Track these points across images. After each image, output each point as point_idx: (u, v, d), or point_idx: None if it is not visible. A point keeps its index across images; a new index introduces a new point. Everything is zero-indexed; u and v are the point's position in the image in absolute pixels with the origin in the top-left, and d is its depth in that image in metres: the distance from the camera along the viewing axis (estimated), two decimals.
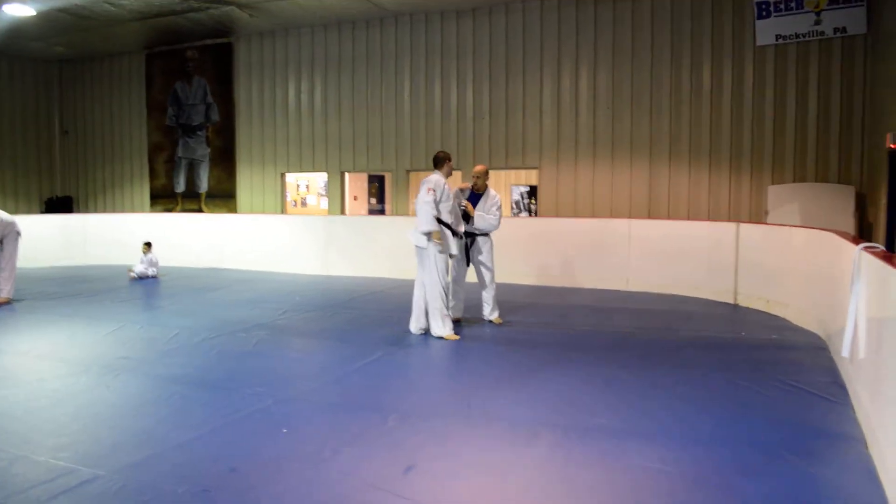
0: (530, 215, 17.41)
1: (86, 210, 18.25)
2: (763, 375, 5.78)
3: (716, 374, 5.87)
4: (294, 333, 7.71)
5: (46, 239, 14.45)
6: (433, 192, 7.25)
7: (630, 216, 11.93)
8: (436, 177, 7.38)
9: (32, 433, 4.51)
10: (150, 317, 8.81)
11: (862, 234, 10.42)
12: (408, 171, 14.29)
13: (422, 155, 13.96)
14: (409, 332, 7.62)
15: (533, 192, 17.15)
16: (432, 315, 7.36)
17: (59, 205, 18.15)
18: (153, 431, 4.54)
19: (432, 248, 7.29)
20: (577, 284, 10.94)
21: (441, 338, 7.27)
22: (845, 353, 4.95)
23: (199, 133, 16.47)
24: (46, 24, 14.29)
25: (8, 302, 9.46)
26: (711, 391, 5.38)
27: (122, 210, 17.66)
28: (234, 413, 4.86)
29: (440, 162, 7.57)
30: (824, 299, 7.05)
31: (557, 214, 12.81)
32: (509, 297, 10.03)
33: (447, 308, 7.36)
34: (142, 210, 17.32)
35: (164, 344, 7.06)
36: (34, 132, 18.24)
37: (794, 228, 8.58)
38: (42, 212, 17.85)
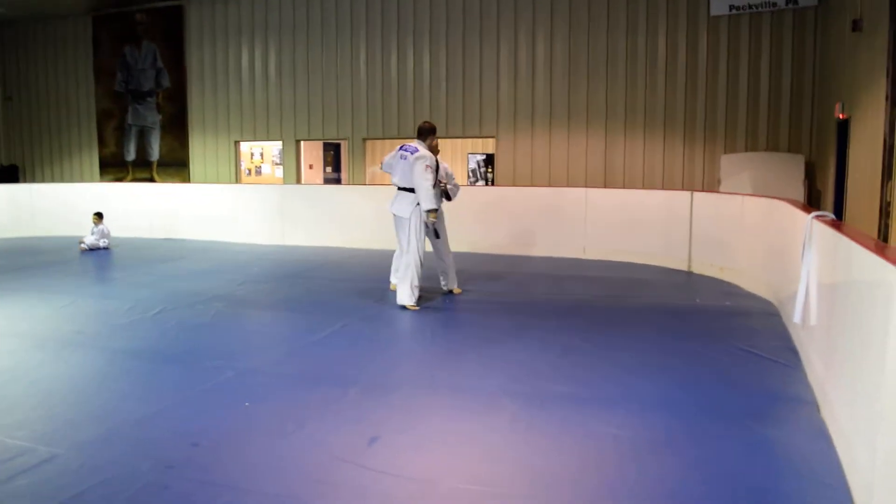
0: (487, 184, 17.42)
1: (32, 180, 17.73)
2: (718, 341, 5.91)
3: (671, 341, 5.98)
4: (252, 305, 7.63)
5: None
6: (430, 168, 7.20)
7: (586, 185, 12.02)
8: (425, 152, 7.28)
9: None
10: (105, 289, 8.64)
11: (811, 202, 10.67)
12: (364, 140, 14.17)
13: (378, 123, 13.84)
14: (368, 302, 7.62)
15: (490, 160, 17.15)
16: (402, 282, 7.36)
17: (4, 174, 17.58)
18: (111, 407, 4.47)
19: (414, 219, 7.28)
20: (534, 253, 11.00)
21: (404, 307, 7.27)
22: (797, 319, 5.07)
23: (149, 99, 16.07)
24: None
25: None
26: (667, 357, 5.48)
27: (71, 180, 17.20)
28: (194, 387, 4.80)
29: (426, 133, 7.44)
30: (776, 266, 7.21)
31: (514, 183, 12.85)
32: (466, 267, 10.05)
33: (418, 279, 7.35)
34: (91, 179, 16.89)
35: (119, 317, 6.92)
36: None
37: (746, 197, 8.73)
38: None
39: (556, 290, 8.41)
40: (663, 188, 11.67)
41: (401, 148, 7.47)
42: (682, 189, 11.33)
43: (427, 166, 7.18)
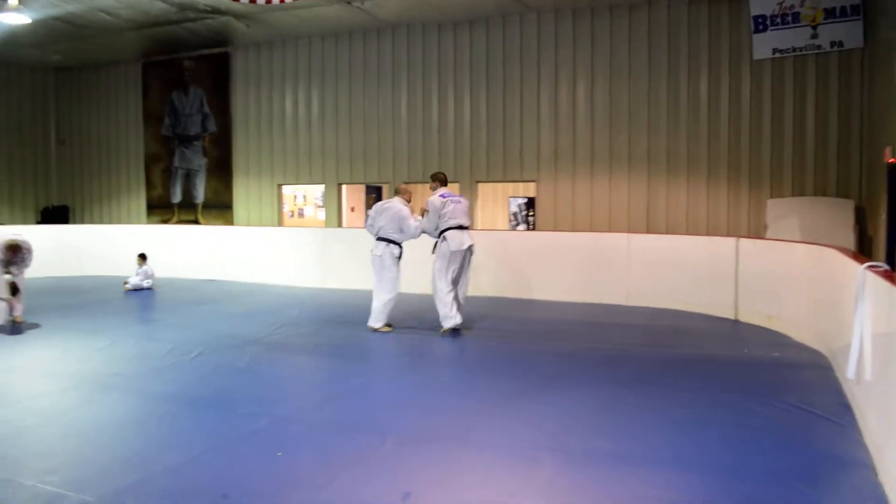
0: (528, 228, 17.32)
1: (81, 220, 18.11)
2: (766, 395, 5.67)
3: (718, 395, 5.76)
4: (289, 349, 7.59)
5: (41, 249, 14.13)
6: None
7: (629, 230, 11.83)
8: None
9: (20, 455, 4.39)
10: (144, 330, 8.68)
11: (862, 248, 10.34)
12: (405, 184, 14.20)
13: (419, 167, 13.88)
14: (405, 349, 7.61)
15: (531, 203, 17.06)
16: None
17: (55, 215, 18.00)
18: (144, 453, 4.42)
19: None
20: (575, 299, 10.81)
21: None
22: (851, 374, 4.84)
23: (195, 143, 16.37)
24: (42, 31, 14.19)
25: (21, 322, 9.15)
26: (713, 412, 5.26)
27: (119, 221, 17.52)
28: (227, 434, 4.73)
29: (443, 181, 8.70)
30: (826, 316, 6.95)
31: (556, 228, 12.72)
32: (507, 313, 9.93)
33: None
34: (138, 221, 17.19)
35: (157, 360, 6.93)
36: (30, 141, 18.12)
37: (794, 244, 8.48)
38: (37, 222, 17.68)
39: (597, 338, 8.22)
40: (707, 234, 11.43)
41: (447, 195, 8.33)
42: (728, 235, 11.08)
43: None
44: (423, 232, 8.34)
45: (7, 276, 8.64)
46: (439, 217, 8.20)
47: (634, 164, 12.26)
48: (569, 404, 5.47)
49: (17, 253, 8.68)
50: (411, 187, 9.10)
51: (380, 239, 8.36)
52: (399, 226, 8.26)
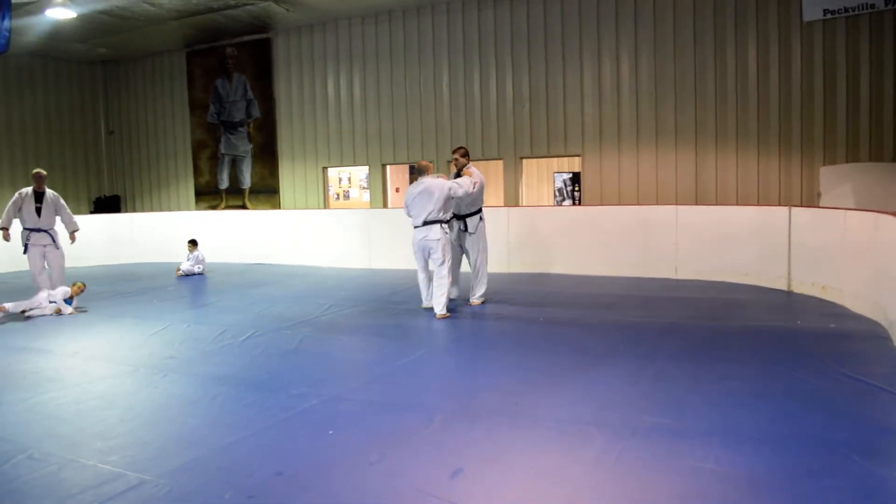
0: (574, 203, 17.17)
1: (133, 209, 18.53)
2: (822, 367, 5.56)
3: (771, 366, 5.66)
4: (338, 330, 7.68)
5: (95, 238, 14.67)
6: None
7: (677, 203, 11.65)
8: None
9: (81, 436, 4.53)
10: (197, 315, 8.86)
11: None
12: (449, 162, 14.18)
13: (462, 143, 13.81)
14: (451, 327, 7.65)
15: (576, 178, 16.90)
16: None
17: (107, 204, 18.45)
18: (199, 433, 4.52)
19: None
20: (624, 273, 10.72)
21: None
22: None
23: (240, 129, 16.57)
24: (88, 26, 14.47)
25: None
26: (767, 384, 5.18)
27: (168, 208, 17.89)
28: (279, 414, 4.82)
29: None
30: (884, 285, 6.77)
31: (602, 202, 12.60)
32: (554, 288, 9.90)
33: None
34: (187, 207, 17.51)
35: (209, 343, 7.08)
36: (81, 133, 18.56)
37: (848, 212, 8.26)
38: (91, 212, 18.16)
39: (646, 312, 8.14)
40: (759, 204, 11.20)
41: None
42: (779, 204, 10.85)
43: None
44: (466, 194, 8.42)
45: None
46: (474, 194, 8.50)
47: (681, 135, 12.04)
48: (618, 379, 5.44)
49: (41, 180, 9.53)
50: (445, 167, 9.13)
51: (430, 223, 8.14)
52: (447, 204, 8.20)
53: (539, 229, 11.57)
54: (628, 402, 4.88)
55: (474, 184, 8.40)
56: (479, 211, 8.70)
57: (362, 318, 8.25)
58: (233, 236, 14.47)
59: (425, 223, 8.12)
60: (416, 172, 8.55)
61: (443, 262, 8.06)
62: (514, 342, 6.86)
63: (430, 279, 8.43)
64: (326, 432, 4.45)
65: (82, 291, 9.30)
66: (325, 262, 13.32)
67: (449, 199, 8.13)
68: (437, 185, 8.10)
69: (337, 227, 13.40)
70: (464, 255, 8.91)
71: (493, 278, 10.56)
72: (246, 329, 7.63)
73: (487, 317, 8.09)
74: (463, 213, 8.64)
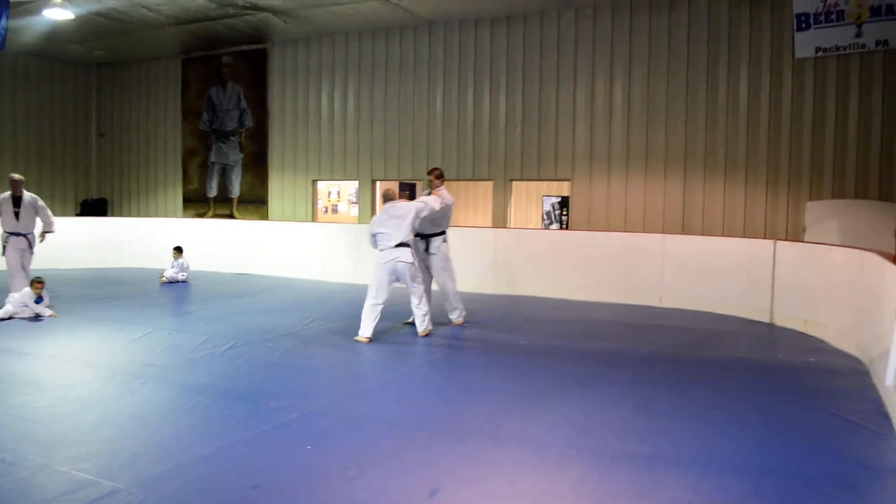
0: (561, 227, 17.22)
1: (119, 213, 18.41)
2: (801, 401, 5.58)
3: (752, 398, 5.67)
4: (320, 343, 7.64)
5: (80, 240, 14.58)
6: None
7: (664, 231, 11.71)
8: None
9: (56, 441, 4.47)
10: (179, 322, 8.79)
11: None
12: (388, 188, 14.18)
13: (452, 163, 13.86)
14: (437, 346, 7.66)
15: (565, 203, 16.96)
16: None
17: (94, 207, 18.31)
18: (175, 443, 4.47)
19: None
20: (608, 299, 10.74)
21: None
22: (889, 382, 4.73)
23: (232, 138, 16.53)
24: (85, 27, 14.44)
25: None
26: (747, 416, 5.19)
27: (156, 214, 17.78)
28: (257, 426, 4.77)
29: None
30: (865, 322, 6.81)
31: (589, 227, 12.63)
32: (538, 312, 9.90)
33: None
34: (174, 214, 17.41)
35: (190, 351, 7.02)
36: (72, 134, 18.45)
37: (833, 247, 8.33)
38: (77, 213, 18.02)
39: (631, 339, 8.16)
40: (744, 236, 11.27)
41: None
42: (765, 237, 10.91)
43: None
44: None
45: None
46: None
47: (671, 163, 12.11)
48: (600, 404, 5.43)
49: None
50: (441, 184, 8.87)
51: (402, 245, 7.99)
52: (428, 217, 8.33)
53: (525, 252, 11.60)
54: (609, 428, 4.87)
55: (440, 202, 8.43)
56: (443, 233, 8.71)
57: (346, 332, 8.19)
58: (219, 245, 14.40)
59: (398, 245, 7.97)
60: (384, 199, 8.36)
61: (416, 281, 8.05)
62: (496, 364, 6.84)
63: (379, 308, 7.92)
64: (305, 447, 4.40)
65: (43, 285, 9.12)
66: (310, 274, 13.28)
67: (417, 218, 8.12)
68: (405, 207, 8.10)
69: (324, 241, 13.37)
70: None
71: (477, 299, 10.57)
72: (228, 339, 7.58)
73: (470, 338, 8.08)
74: (426, 232, 8.60)
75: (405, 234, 7.94)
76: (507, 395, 5.72)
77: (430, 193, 8.68)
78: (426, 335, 7.99)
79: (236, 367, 6.44)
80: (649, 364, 6.88)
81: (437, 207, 8.35)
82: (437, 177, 8.74)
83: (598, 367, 6.69)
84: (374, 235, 8.11)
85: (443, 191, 8.65)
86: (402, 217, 7.98)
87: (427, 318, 8.10)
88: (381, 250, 8.02)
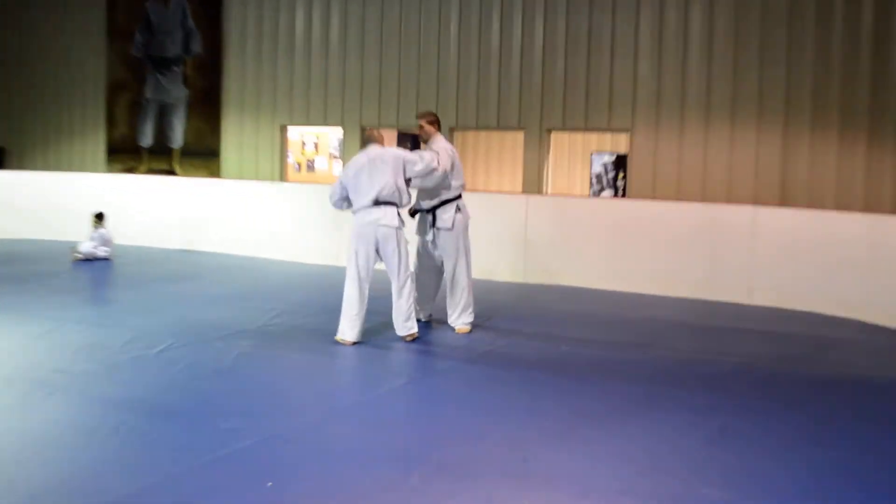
0: (616, 195, 17.16)
1: (20, 165, 18.39)
2: None
3: (874, 432, 5.64)
4: (289, 345, 7.65)
5: None
6: None
7: (756, 202, 11.62)
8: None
9: None
10: (97, 314, 8.83)
11: None
12: (452, 129, 14.16)
13: (472, 109, 13.80)
14: (442, 351, 7.69)
15: (621, 162, 16.89)
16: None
17: None
18: (88, 477, 4.46)
19: None
20: (679, 293, 10.70)
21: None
22: None
23: (174, 68, 16.50)
24: None
25: None
26: (865, 456, 5.15)
27: (69, 168, 17.75)
28: (203, 455, 4.76)
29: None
30: None
31: (654, 195, 12.56)
32: (583, 309, 9.87)
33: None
34: (94, 169, 17.38)
35: (114, 353, 7.03)
36: None
37: None
38: None
39: (705, 347, 8.14)
40: (866, 210, 11.17)
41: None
42: (894, 212, 10.82)
43: None
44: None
45: None
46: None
47: (767, 112, 11.99)
48: (663, 435, 5.41)
49: None
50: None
51: (384, 203, 7.88)
52: (403, 182, 8.02)
53: (567, 227, 11.54)
54: (676, 468, 4.85)
55: (437, 158, 8.21)
56: (456, 198, 8.52)
57: (324, 331, 8.17)
58: (154, 211, 14.43)
59: (377, 203, 7.81)
60: (363, 143, 8.29)
61: (400, 261, 7.87)
62: (524, 379, 6.82)
63: (365, 297, 7.85)
64: (265, 483, 4.39)
65: None
66: (277, 253, 13.29)
67: (405, 169, 7.93)
68: (390, 154, 7.95)
69: (297, 208, 13.35)
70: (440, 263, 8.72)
71: (500, 290, 10.56)
72: (163, 337, 7.59)
73: (488, 342, 8.06)
74: (427, 205, 8.50)
75: (390, 189, 7.77)
76: (538, 420, 5.70)
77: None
78: (413, 340, 7.91)
79: (175, 376, 6.44)
80: (730, 382, 6.86)
81: (435, 166, 8.13)
82: (431, 122, 8.56)
83: (661, 386, 6.66)
84: (342, 190, 7.97)
85: (442, 142, 8.50)
86: (383, 165, 7.82)
87: (411, 315, 7.94)
88: (356, 212, 7.88)
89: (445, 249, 8.48)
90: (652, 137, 12.72)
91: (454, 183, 8.46)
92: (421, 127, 8.59)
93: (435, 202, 8.45)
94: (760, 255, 10.39)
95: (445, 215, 8.45)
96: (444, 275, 8.60)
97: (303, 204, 13.35)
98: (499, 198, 12.53)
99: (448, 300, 8.63)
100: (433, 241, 8.55)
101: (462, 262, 8.51)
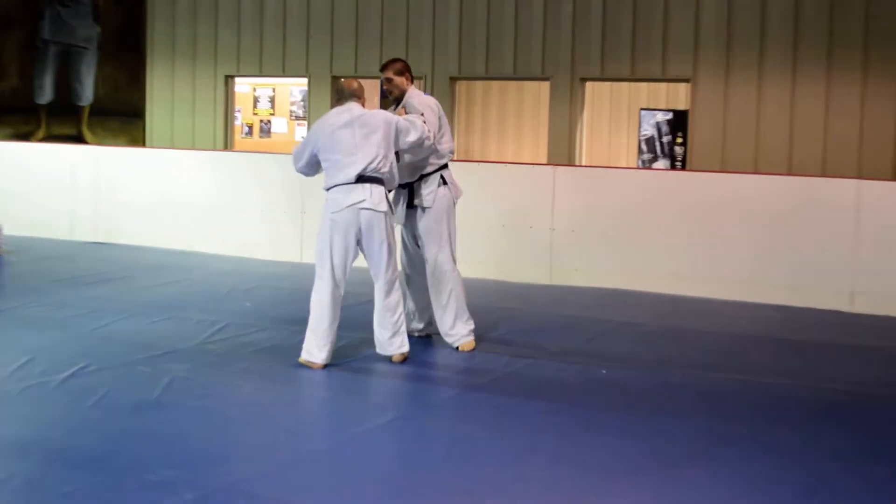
0: (674, 165, 17.18)
1: None
2: None
3: None
4: (237, 370, 7.65)
5: None
6: None
7: (860, 175, 11.63)
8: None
9: None
10: None
11: None
12: (453, 79, 14.17)
13: (479, 53, 13.82)
14: (442, 375, 7.83)
15: (680, 122, 16.90)
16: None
17: None
18: None
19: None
20: (757, 298, 10.69)
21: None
22: None
23: (81, 2, 16.50)
24: None
25: None
26: None
27: None
28: None
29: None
30: None
31: (722, 166, 12.58)
32: (628, 318, 9.87)
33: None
34: None
35: (2, 381, 7.03)
36: None
37: None
38: None
39: (792, 369, 8.15)
40: None
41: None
42: None
43: None
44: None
45: None
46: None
47: (873, 51, 12.00)
48: (737, 487, 5.40)
49: None
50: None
51: (370, 180, 7.75)
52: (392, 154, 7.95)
53: (608, 208, 11.53)
54: None
55: (434, 116, 8.26)
56: (441, 168, 8.50)
57: (280, 349, 8.22)
58: (58, 191, 14.41)
59: (361, 179, 7.77)
60: (338, 97, 8.16)
61: (389, 257, 7.84)
62: (549, 412, 6.82)
63: (338, 304, 7.83)
64: None
65: None
66: (221, 247, 13.28)
67: (396, 139, 7.82)
68: (381, 118, 7.84)
69: (247, 186, 13.34)
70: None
71: (521, 293, 10.58)
72: (72, 359, 7.58)
73: (502, 364, 8.07)
74: (407, 178, 8.41)
75: (379, 162, 7.67)
76: (573, 468, 5.69)
77: (394, 110, 8.47)
78: (403, 360, 7.89)
79: (84, 412, 6.44)
80: (826, 416, 6.87)
81: (427, 134, 8.06)
82: (400, 72, 8.51)
83: (730, 422, 6.66)
84: (312, 149, 7.92)
85: (424, 97, 8.54)
86: (371, 131, 7.71)
87: (401, 329, 7.87)
88: (331, 189, 7.82)
89: (426, 232, 8.40)
90: (719, 89, 12.75)
91: (443, 148, 8.45)
92: (389, 80, 8.48)
93: (417, 175, 8.43)
94: (866, 245, 10.34)
95: (426, 189, 8.41)
96: (426, 267, 8.47)
97: (255, 180, 13.32)
98: (515, 170, 12.47)
99: (433, 302, 8.54)
100: (410, 223, 8.53)
101: (447, 249, 8.43)
